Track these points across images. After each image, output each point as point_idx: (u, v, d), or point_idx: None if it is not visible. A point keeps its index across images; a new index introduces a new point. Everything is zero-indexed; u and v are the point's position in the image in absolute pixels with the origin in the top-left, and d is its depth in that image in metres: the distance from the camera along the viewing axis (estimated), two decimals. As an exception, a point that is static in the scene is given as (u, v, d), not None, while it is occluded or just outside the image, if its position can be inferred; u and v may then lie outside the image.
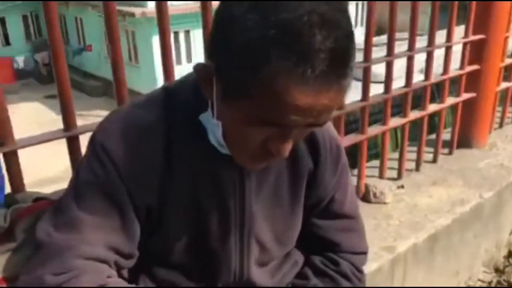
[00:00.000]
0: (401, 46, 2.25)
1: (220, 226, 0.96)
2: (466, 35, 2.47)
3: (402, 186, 2.32)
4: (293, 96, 0.68)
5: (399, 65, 2.33)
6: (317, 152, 1.00)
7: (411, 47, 2.21)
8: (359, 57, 1.94)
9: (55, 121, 1.35)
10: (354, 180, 2.18)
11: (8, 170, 1.26)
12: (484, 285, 2.42)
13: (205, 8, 1.47)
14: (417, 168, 2.49)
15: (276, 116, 0.71)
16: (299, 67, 0.67)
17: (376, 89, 2.19)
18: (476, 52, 2.52)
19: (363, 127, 2.12)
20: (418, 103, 2.41)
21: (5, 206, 1.02)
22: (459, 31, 2.44)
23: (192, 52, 14.76)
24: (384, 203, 2.17)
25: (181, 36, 14.66)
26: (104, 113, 0.98)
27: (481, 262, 2.46)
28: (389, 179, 2.34)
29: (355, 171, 2.20)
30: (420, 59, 2.35)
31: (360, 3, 16.74)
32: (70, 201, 0.86)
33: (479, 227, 2.31)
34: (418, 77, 2.37)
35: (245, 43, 0.69)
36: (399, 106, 2.33)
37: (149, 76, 13.65)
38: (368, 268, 1.75)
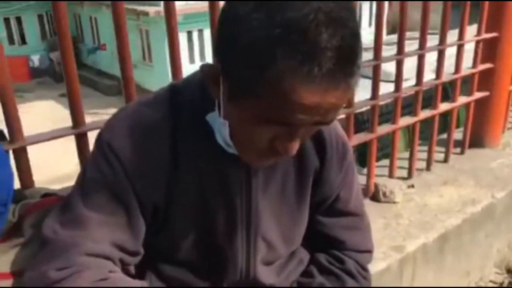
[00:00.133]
0: (414, 45, 2.23)
1: (227, 225, 0.96)
2: (478, 33, 2.44)
3: (412, 186, 2.30)
4: (300, 95, 0.68)
5: (411, 65, 2.32)
6: (323, 150, 1.00)
7: (421, 45, 2.19)
8: (370, 55, 1.94)
9: (70, 119, 1.36)
10: (363, 179, 2.17)
11: (17, 166, 1.27)
12: (496, 286, 2.39)
13: (212, 8, 1.47)
14: (428, 168, 2.46)
15: (283, 115, 0.71)
16: (306, 66, 0.66)
17: (389, 88, 2.18)
18: (489, 50, 2.50)
19: (373, 126, 2.11)
20: (430, 103, 2.39)
21: (14, 201, 1.03)
22: (471, 30, 2.42)
23: (205, 51, 14.77)
24: (394, 202, 2.15)
25: (195, 35, 14.69)
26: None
27: (493, 263, 2.43)
28: (399, 178, 2.32)
29: (365, 170, 2.19)
30: (433, 59, 2.33)
31: (374, 2, 16.62)
32: (76, 198, 0.87)
33: (491, 227, 2.28)
34: (431, 77, 2.35)
35: (251, 43, 0.68)
36: (411, 105, 2.31)
37: (163, 75, 13.66)
38: (377, 267, 1.74)
